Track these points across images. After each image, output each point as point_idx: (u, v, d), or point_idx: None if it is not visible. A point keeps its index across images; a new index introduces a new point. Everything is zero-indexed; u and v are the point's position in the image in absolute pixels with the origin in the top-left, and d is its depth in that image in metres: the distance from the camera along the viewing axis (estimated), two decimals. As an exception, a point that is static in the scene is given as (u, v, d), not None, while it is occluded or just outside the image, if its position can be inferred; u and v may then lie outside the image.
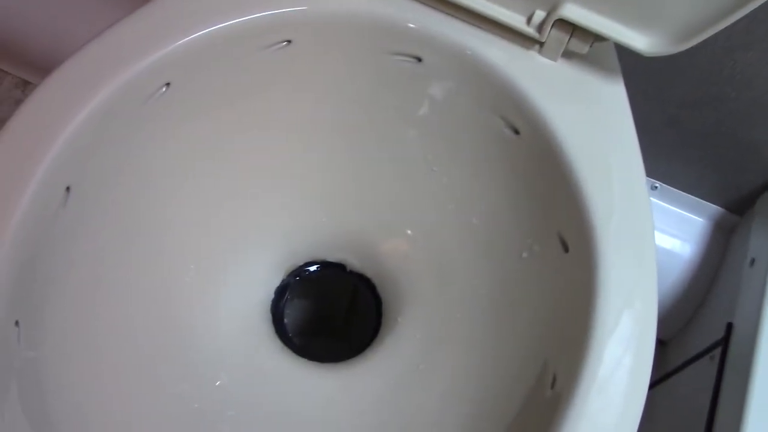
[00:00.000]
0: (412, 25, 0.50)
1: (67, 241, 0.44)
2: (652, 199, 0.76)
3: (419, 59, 0.51)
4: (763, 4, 0.42)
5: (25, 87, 1.00)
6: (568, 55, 0.50)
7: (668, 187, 0.76)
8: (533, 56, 0.50)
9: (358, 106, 0.54)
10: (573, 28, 0.48)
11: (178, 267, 0.53)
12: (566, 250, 0.47)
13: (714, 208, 0.76)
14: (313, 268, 0.60)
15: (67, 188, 0.43)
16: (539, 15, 0.49)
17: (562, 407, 0.40)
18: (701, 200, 0.75)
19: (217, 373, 0.52)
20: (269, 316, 0.57)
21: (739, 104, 0.65)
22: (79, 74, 0.44)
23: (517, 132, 0.50)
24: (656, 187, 0.75)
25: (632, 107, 0.68)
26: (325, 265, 0.60)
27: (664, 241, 0.76)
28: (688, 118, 0.69)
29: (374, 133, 0.56)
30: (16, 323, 0.40)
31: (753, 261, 0.68)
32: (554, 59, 0.50)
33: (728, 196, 0.75)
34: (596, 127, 0.48)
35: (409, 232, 0.58)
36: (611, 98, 0.50)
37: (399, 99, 0.54)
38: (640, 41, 0.47)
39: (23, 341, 0.40)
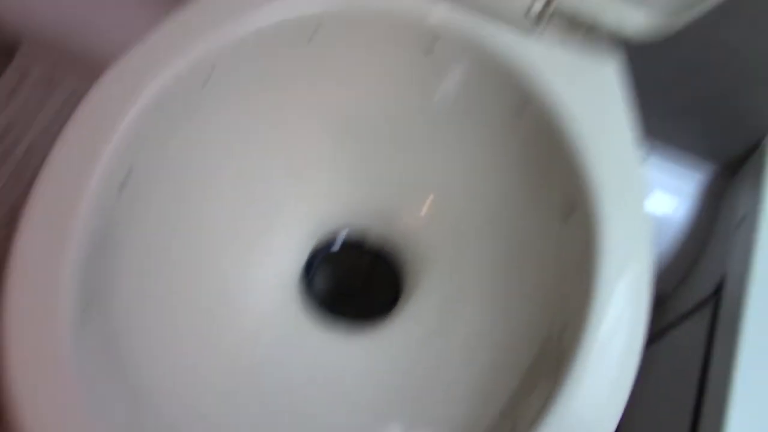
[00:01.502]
0: (430, 19, 0.54)
1: (127, 218, 0.50)
2: (648, 159, 0.80)
3: (431, 48, 0.56)
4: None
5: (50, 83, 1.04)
6: (567, 38, 0.54)
7: (664, 147, 0.80)
8: (534, 42, 0.54)
9: (376, 90, 0.59)
10: (571, 14, 0.53)
11: (221, 242, 0.58)
12: (569, 214, 0.52)
13: (708, 169, 0.80)
14: (335, 248, 0.65)
15: (130, 169, 0.48)
16: (539, 3, 0.53)
17: (567, 361, 0.45)
18: (696, 159, 0.80)
19: (258, 334, 0.58)
20: (299, 287, 0.62)
21: (732, 68, 0.69)
22: (138, 64, 0.50)
23: (521, 111, 0.55)
24: (651, 149, 0.80)
25: (630, 70, 0.72)
26: (346, 244, 0.65)
27: (659, 199, 0.80)
28: (683, 82, 0.73)
29: (391, 114, 0.60)
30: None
31: (743, 217, 0.72)
32: (554, 44, 0.54)
33: (722, 155, 0.79)
34: (593, 104, 0.53)
35: (427, 204, 0.63)
36: (607, 76, 0.55)
37: (414, 83, 0.58)
38: (634, 23, 0.52)
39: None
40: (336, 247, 0.65)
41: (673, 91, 0.74)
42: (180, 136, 0.53)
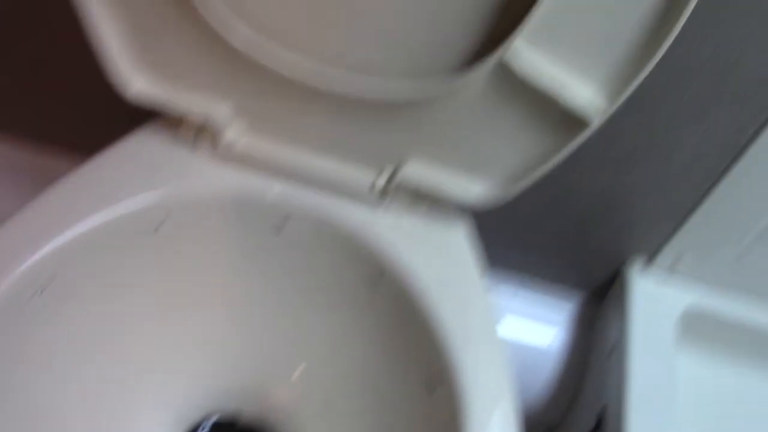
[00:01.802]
0: (267, 197, 0.55)
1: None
2: (519, 298, 0.83)
3: (281, 227, 0.56)
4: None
5: None
6: (412, 208, 0.56)
7: (533, 282, 0.82)
8: (383, 213, 0.56)
9: (232, 272, 0.58)
10: (414, 187, 0.54)
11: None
12: (433, 385, 0.52)
13: (575, 301, 0.83)
14: (206, 428, 0.62)
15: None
16: (383, 178, 0.55)
17: None
18: (564, 291, 0.83)
19: None
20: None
21: (581, 207, 0.73)
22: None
23: (376, 282, 0.55)
24: (520, 289, 0.82)
25: (490, 219, 0.75)
26: (218, 424, 0.62)
27: (535, 335, 0.82)
28: (539, 222, 0.76)
29: (250, 293, 0.59)
30: None
31: (613, 347, 0.74)
32: (402, 214, 0.56)
33: (586, 287, 0.82)
34: (444, 269, 0.54)
35: (294, 378, 0.62)
36: (456, 240, 0.56)
37: (268, 262, 0.58)
38: (471, 194, 0.54)
39: None
40: (206, 429, 0.62)
41: (533, 230, 0.77)
42: (22, 341, 0.50)
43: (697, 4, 0.43)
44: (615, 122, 0.63)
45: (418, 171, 0.53)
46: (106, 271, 0.54)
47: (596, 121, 0.47)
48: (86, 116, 0.79)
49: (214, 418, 0.62)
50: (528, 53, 0.46)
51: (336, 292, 0.57)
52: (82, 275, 0.52)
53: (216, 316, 0.60)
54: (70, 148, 0.84)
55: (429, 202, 0.55)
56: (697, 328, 0.76)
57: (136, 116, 0.57)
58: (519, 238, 0.78)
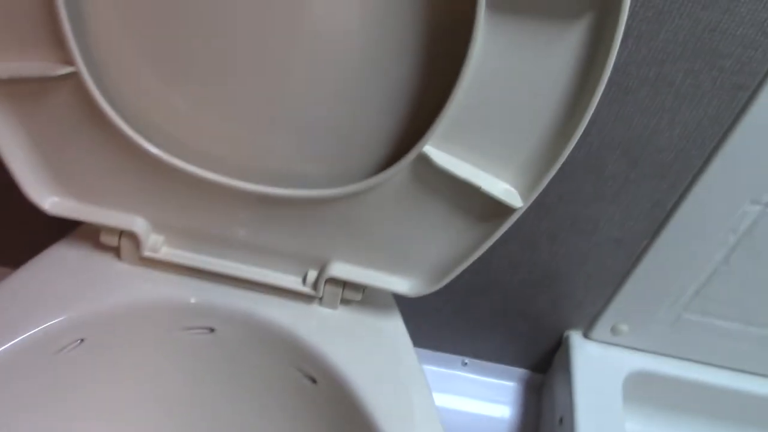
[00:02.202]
0: (194, 301, 0.54)
1: None
2: (465, 373, 0.82)
3: (212, 329, 0.55)
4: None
5: None
6: (345, 302, 0.55)
7: (477, 360, 0.82)
8: (315, 309, 0.55)
9: (168, 378, 0.57)
10: (344, 282, 0.54)
11: None
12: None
13: (521, 372, 0.83)
14: None
15: None
16: (312, 275, 0.54)
17: None
18: (508, 366, 0.83)
19: None
20: None
21: (516, 284, 0.74)
22: None
23: (314, 380, 0.54)
24: (466, 363, 0.82)
25: (429, 299, 0.74)
26: None
27: (484, 408, 0.82)
28: (477, 302, 0.76)
29: (186, 402, 0.58)
30: None
31: (561, 419, 0.74)
32: (334, 308, 0.55)
33: (530, 358, 0.82)
34: (382, 362, 0.53)
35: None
36: (391, 329, 0.56)
37: (202, 366, 0.56)
38: (402, 286, 0.53)
39: None
40: None
41: (471, 308, 0.77)
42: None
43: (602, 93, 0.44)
44: (540, 200, 0.65)
45: (347, 267, 0.53)
46: (29, 393, 0.52)
47: (520, 206, 0.48)
48: (8, 230, 0.78)
49: None
50: (440, 153, 0.47)
51: (274, 391, 0.56)
52: (6, 398, 0.50)
53: (158, 421, 0.58)
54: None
55: (361, 294, 0.55)
56: (641, 390, 0.76)
57: (60, 227, 0.56)
58: (458, 319, 0.78)
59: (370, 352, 0.54)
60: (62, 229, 0.57)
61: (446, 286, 0.74)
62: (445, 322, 0.79)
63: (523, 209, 0.49)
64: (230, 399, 0.57)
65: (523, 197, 0.48)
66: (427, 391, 0.53)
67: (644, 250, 0.68)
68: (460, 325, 0.79)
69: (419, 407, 0.51)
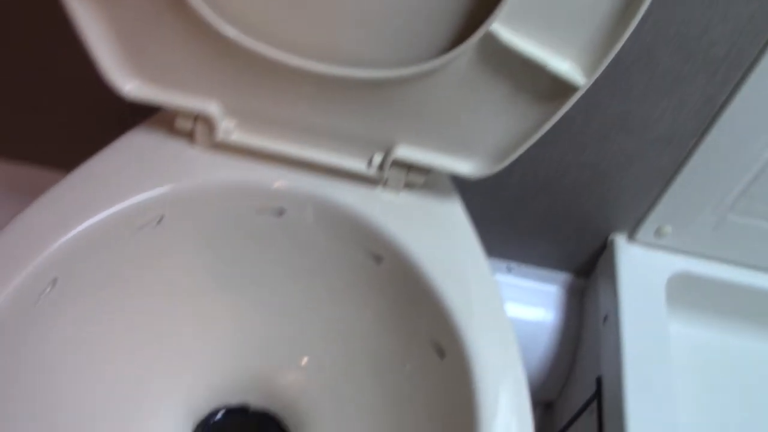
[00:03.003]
0: (265, 183, 0.56)
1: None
2: (510, 278, 0.85)
3: (281, 211, 0.57)
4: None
5: None
6: (408, 186, 0.58)
7: (522, 265, 0.85)
8: (379, 192, 0.57)
9: (237, 259, 0.60)
10: (408, 165, 0.56)
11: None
12: (442, 355, 0.54)
13: (565, 276, 0.85)
14: (219, 416, 0.63)
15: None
16: (377, 158, 0.56)
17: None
18: (552, 272, 0.85)
19: None
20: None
21: (565, 185, 0.76)
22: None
23: (379, 260, 0.57)
24: (511, 268, 0.84)
25: (477, 205, 0.77)
26: (229, 410, 0.63)
27: (529, 312, 0.84)
28: (525, 207, 0.78)
29: (256, 282, 0.61)
30: None
31: (605, 317, 0.77)
32: (397, 192, 0.58)
33: (574, 262, 0.85)
34: (444, 242, 0.56)
35: (303, 363, 0.63)
36: (452, 214, 0.58)
37: (271, 249, 0.59)
38: (465, 168, 0.56)
39: None
40: (219, 417, 0.63)
41: (518, 211, 0.79)
42: (26, 346, 0.50)
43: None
44: (591, 96, 0.66)
45: (412, 149, 0.55)
46: (111, 267, 0.55)
47: (583, 85, 0.49)
48: (75, 132, 0.80)
49: (222, 412, 0.63)
50: (507, 31, 0.48)
51: (339, 272, 0.59)
52: (88, 273, 0.53)
53: (221, 306, 0.61)
54: (59, 165, 0.85)
55: (424, 177, 0.57)
56: (685, 292, 0.78)
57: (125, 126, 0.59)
58: (505, 224, 0.80)
59: (432, 233, 0.56)
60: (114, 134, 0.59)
61: (496, 191, 0.77)
62: (492, 227, 0.81)
63: (585, 89, 0.50)
64: (297, 279, 0.60)
65: (586, 76, 0.50)
66: (488, 270, 0.55)
67: (692, 149, 0.69)
68: (507, 231, 0.81)
69: (479, 285, 0.54)
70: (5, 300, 0.47)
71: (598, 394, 0.74)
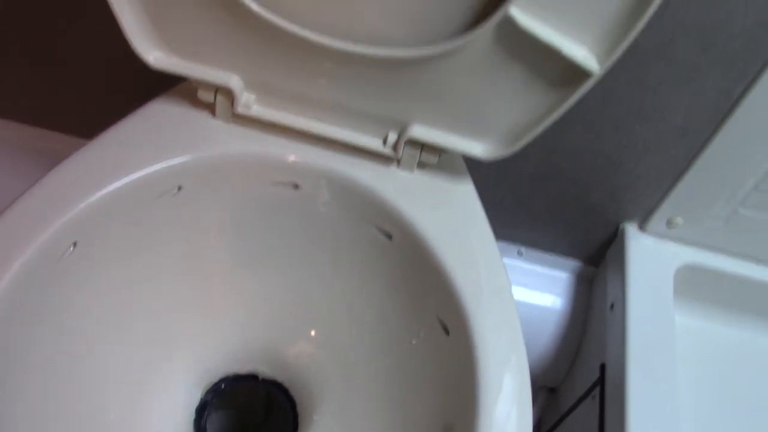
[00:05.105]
0: (282, 157, 0.58)
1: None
2: (520, 262, 0.86)
3: (296, 185, 0.59)
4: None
5: None
6: (422, 165, 0.59)
7: (532, 250, 0.86)
8: (393, 171, 0.59)
9: (251, 231, 0.61)
10: (422, 144, 0.57)
11: (104, 401, 0.57)
12: (447, 332, 0.55)
13: (574, 263, 0.86)
14: (227, 383, 0.65)
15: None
16: (392, 137, 0.58)
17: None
18: (562, 258, 0.86)
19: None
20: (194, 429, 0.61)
21: (578, 172, 0.76)
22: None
23: (390, 237, 0.58)
24: (521, 253, 0.85)
25: (489, 188, 0.78)
26: (239, 377, 0.65)
27: (536, 297, 0.85)
28: (538, 191, 0.79)
29: (269, 254, 0.62)
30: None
31: (612, 305, 0.78)
32: (411, 171, 0.59)
33: (584, 249, 0.85)
34: (454, 223, 0.57)
35: (312, 334, 0.64)
36: (463, 195, 0.59)
37: (285, 221, 0.61)
38: (477, 149, 0.57)
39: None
40: (227, 384, 0.65)
41: (531, 195, 0.80)
42: (47, 306, 0.52)
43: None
44: (608, 84, 0.67)
45: (427, 129, 0.56)
46: (129, 233, 0.57)
47: (598, 71, 0.50)
48: (96, 102, 0.82)
49: (233, 370, 0.65)
50: (524, 15, 0.49)
51: (351, 246, 0.60)
52: (108, 237, 0.55)
53: (235, 276, 0.63)
54: (82, 135, 0.87)
55: (438, 157, 0.58)
56: (693, 284, 0.79)
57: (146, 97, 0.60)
58: (518, 208, 0.81)
59: (444, 213, 0.57)
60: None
61: (509, 175, 0.78)
62: (505, 211, 0.82)
63: (599, 76, 0.51)
64: (309, 252, 0.62)
65: (600, 63, 0.50)
66: (496, 252, 0.56)
67: (707, 141, 0.70)
68: (520, 214, 0.82)
69: (487, 266, 0.55)
70: (30, 255, 0.49)
71: (601, 381, 0.75)
